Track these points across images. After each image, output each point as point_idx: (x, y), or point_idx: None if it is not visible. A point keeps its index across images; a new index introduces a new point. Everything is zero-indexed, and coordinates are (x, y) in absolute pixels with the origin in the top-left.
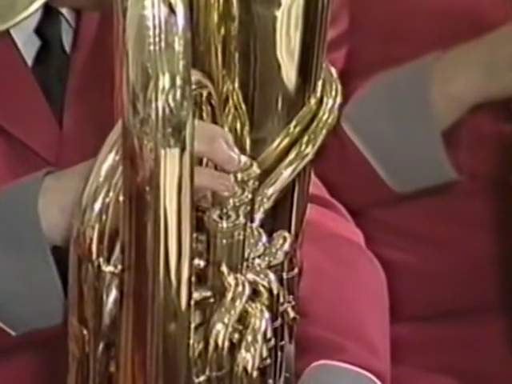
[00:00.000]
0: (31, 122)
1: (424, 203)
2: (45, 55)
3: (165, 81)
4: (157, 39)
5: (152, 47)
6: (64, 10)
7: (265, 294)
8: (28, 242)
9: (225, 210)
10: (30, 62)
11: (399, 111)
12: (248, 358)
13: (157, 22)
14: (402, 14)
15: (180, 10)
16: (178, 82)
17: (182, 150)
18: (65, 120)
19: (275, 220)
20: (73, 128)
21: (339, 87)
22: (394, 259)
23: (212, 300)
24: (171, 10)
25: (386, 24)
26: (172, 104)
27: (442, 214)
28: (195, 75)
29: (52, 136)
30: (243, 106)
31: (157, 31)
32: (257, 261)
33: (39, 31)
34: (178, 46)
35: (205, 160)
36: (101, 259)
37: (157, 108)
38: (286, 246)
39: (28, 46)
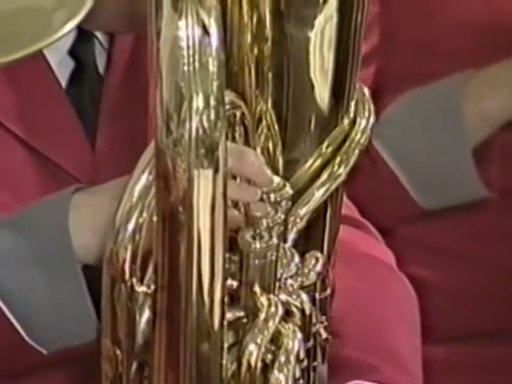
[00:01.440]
0: (65, 144)
1: (453, 220)
2: (79, 77)
3: (199, 101)
4: (191, 60)
5: (186, 68)
6: (98, 32)
7: (297, 315)
8: (58, 260)
9: (258, 231)
10: (63, 83)
11: (430, 127)
12: (281, 379)
13: (191, 42)
14: (433, 29)
15: (214, 30)
16: (212, 102)
17: (215, 170)
18: (98, 141)
19: (308, 240)
20: (105, 149)
21: (372, 107)
22: (424, 277)
23: (245, 320)
24: (205, 30)
25: (416, 40)
26: (206, 124)
27: (471, 231)
28: (229, 95)
29: (85, 157)
30: (276, 127)
31: (191, 52)
32: (289, 281)
33: (73, 53)
34: (212, 66)
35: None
36: (134, 279)
37: (190, 128)
38: (319, 267)
39: (62, 68)
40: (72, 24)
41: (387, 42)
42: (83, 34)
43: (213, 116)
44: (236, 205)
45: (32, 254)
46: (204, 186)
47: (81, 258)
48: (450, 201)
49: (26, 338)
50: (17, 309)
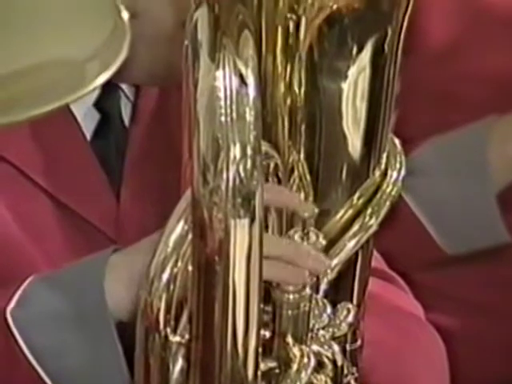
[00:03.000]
0: (89, 196)
1: (477, 269)
2: (104, 129)
3: (236, 151)
4: (228, 110)
5: (223, 118)
6: (123, 85)
7: (329, 366)
8: (94, 319)
9: None
10: (89, 135)
11: (455, 173)
12: None
13: (228, 92)
14: (455, 78)
15: (251, 80)
16: (249, 151)
17: (252, 220)
18: (122, 192)
19: (338, 291)
20: (130, 200)
21: (403, 160)
22: (448, 326)
23: (277, 371)
24: (242, 80)
25: (438, 88)
26: (242, 174)
27: (494, 280)
28: (263, 146)
29: (109, 209)
30: (308, 177)
31: (228, 102)
32: (321, 332)
33: (98, 105)
34: (249, 116)
35: None
36: (168, 329)
37: (227, 178)
38: (350, 318)
39: (87, 120)
40: (105, 76)
41: (410, 90)
42: (109, 86)
43: (249, 165)
44: None
45: (67, 314)
46: (240, 236)
47: (114, 315)
48: (473, 245)
49: None
50: (49, 366)
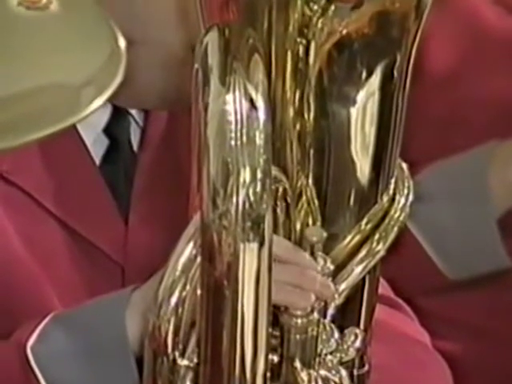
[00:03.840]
0: (97, 221)
1: (480, 293)
2: (113, 154)
3: (245, 175)
4: (238, 134)
5: (233, 142)
6: (132, 110)
7: None
8: (114, 357)
9: None
10: (98, 160)
11: (455, 197)
12: None
13: (238, 116)
14: (457, 103)
15: (261, 104)
16: (259, 175)
17: (261, 244)
18: (130, 218)
19: (345, 316)
20: (138, 225)
21: (411, 185)
22: (454, 352)
23: None
24: (252, 104)
25: (441, 113)
26: (252, 198)
27: (496, 307)
28: (273, 170)
29: (118, 234)
30: (316, 202)
31: (238, 126)
32: (329, 357)
33: (108, 131)
34: (259, 139)
35: None
36: (176, 353)
37: (237, 202)
38: (358, 343)
39: (97, 146)
40: (100, 101)
41: (413, 114)
42: (118, 112)
43: (259, 189)
44: None
45: (87, 352)
46: (249, 260)
47: (134, 349)
48: (474, 270)
49: None
50: None
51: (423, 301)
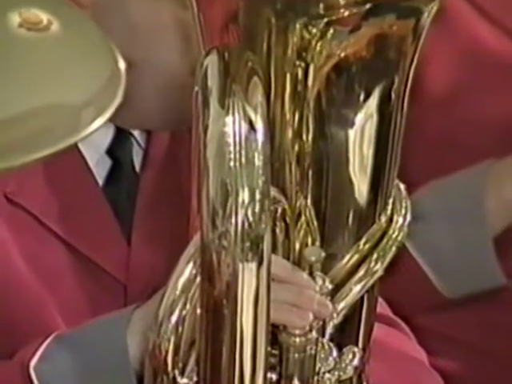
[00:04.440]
0: (101, 241)
1: (477, 312)
2: (116, 175)
3: (244, 195)
4: (237, 155)
5: (232, 163)
6: (135, 131)
7: None
8: (116, 375)
9: None
10: (101, 181)
11: (452, 216)
12: None
13: (237, 138)
14: (455, 124)
15: (260, 126)
16: (258, 196)
17: (260, 263)
18: (133, 237)
19: (344, 334)
20: (141, 245)
21: (409, 205)
22: (452, 370)
23: None
24: (251, 126)
25: (438, 133)
26: (251, 218)
27: (495, 324)
28: (271, 191)
29: (121, 253)
30: (315, 222)
31: (237, 147)
32: (327, 375)
33: (111, 152)
34: (258, 161)
35: None
36: (176, 371)
37: (236, 223)
38: (356, 361)
39: (100, 166)
40: (100, 121)
41: (410, 134)
42: (121, 134)
43: (258, 209)
44: None
45: (89, 371)
46: (248, 279)
47: (135, 367)
48: (470, 288)
49: None
50: None
51: (421, 319)
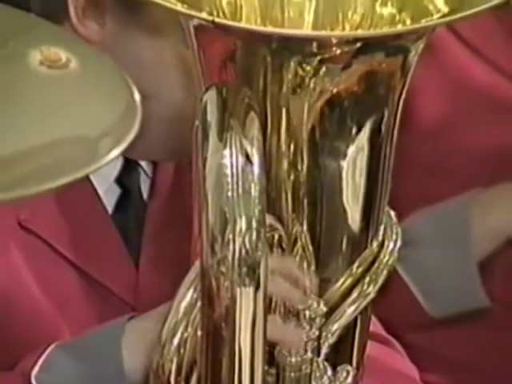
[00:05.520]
0: (110, 265)
1: (463, 331)
2: (124, 202)
3: (242, 224)
4: (235, 186)
5: (230, 193)
6: (142, 162)
7: None
8: (112, 381)
9: None
10: (110, 209)
11: (439, 242)
12: None
13: (235, 170)
14: (444, 154)
15: (256, 159)
16: (254, 224)
17: (256, 288)
18: (141, 262)
19: (338, 354)
20: (148, 268)
21: (399, 231)
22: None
23: None
24: (248, 159)
25: (429, 163)
26: (248, 245)
27: (477, 343)
28: (268, 219)
29: (129, 277)
30: (310, 248)
31: (235, 179)
32: None
33: (120, 181)
34: (254, 191)
35: None
36: None
37: (234, 249)
38: (349, 379)
39: (109, 195)
40: (117, 151)
41: (401, 163)
42: (129, 164)
43: (254, 237)
44: None
45: (87, 379)
46: (245, 303)
47: (130, 378)
48: (455, 309)
49: None
50: None
51: (412, 337)
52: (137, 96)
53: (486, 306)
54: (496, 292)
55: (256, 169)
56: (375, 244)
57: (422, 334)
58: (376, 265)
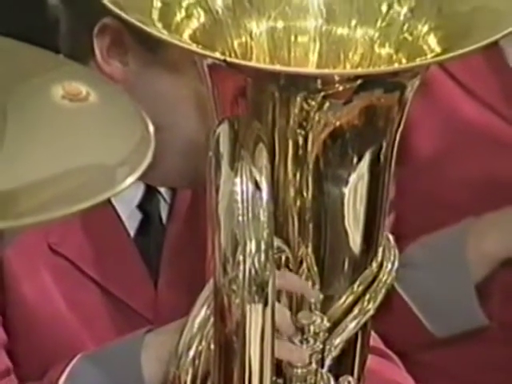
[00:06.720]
0: (132, 285)
1: (462, 348)
2: (145, 227)
3: (251, 246)
4: (245, 211)
5: (241, 218)
6: (162, 189)
7: None
8: None
9: None
10: (132, 232)
11: (438, 266)
12: None
13: (245, 196)
14: (440, 184)
15: (264, 186)
16: (263, 246)
17: (265, 305)
18: (160, 281)
19: (340, 366)
20: (166, 288)
21: (397, 253)
22: None
23: None
24: (257, 186)
25: (429, 193)
26: (257, 265)
27: (477, 360)
28: (275, 241)
29: (149, 295)
30: (315, 268)
31: (245, 204)
32: None
33: (141, 206)
34: (263, 216)
35: None
36: None
37: (244, 269)
38: None
39: (131, 220)
40: (132, 179)
41: (403, 195)
42: (150, 191)
43: (263, 258)
44: None
45: None
46: (255, 319)
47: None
48: (457, 329)
49: None
50: None
51: (415, 354)
52: (151, 128)
53: (485, 324)
54: (493, 313)
55: (264, 195)
56: (375, 265)
57: (426, 351)
58: (375, 284)
